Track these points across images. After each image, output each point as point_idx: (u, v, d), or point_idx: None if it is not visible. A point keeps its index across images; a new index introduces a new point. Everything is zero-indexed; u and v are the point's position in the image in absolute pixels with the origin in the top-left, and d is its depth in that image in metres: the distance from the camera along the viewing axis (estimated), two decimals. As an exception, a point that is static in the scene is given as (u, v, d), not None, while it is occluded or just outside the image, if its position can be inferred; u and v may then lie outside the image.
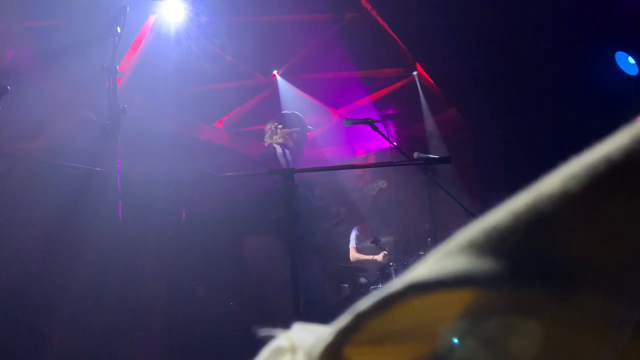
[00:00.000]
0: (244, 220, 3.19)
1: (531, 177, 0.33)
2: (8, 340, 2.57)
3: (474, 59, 4.25)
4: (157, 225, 3.74)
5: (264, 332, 0.39)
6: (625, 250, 0.30)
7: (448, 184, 3.09)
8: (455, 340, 0.33)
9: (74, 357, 2.80)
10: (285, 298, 2.52)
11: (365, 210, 4.85)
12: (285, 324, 0.41)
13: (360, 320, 0.32)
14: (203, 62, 4.47)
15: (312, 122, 4.12)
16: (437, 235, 3.29)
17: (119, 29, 2.41)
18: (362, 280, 4.12)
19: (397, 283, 0.31)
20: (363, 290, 3.80)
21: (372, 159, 6.33)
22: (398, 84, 5.46)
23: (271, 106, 5.04)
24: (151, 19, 4.18)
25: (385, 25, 4.50)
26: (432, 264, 0.32)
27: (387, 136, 2.59)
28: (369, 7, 4.39)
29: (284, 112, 3.66)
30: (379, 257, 4.17)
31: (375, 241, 3.91)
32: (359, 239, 4.62)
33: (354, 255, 4.53)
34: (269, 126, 3.51)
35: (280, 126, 3.43)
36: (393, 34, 4.59)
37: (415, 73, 5.25)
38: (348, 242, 4.65)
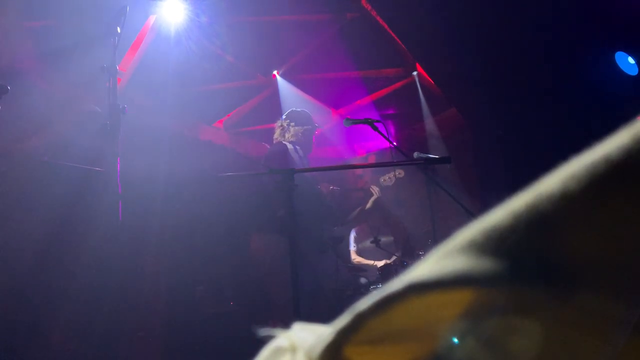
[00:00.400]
0: (247, 219, 3.19)
1: (531, 177, 0.33)
2: (8, 340, 2.57)
3: (474, 59, 4.25)
4: (157, 225, 3.74)
5: (264, 332, 0.39)
6: (625, 250, 0.30)
7: (448, 184, 3.09)
8: (455, 340, 0.33)
9: (74, 357, 2.80)
10: (285, 298, 2.52)
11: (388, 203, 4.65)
12: (285, 324, 0.41)
13: (360, 320, 0.32)
14: (203, 62, 4.47)
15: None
16: (437, 235, 3.28)
17: (119, 29, 2.41)
18: (362, 280, 4.11)
19: (397, 283, 0.31)
20: (363, 290, 3.79)
21: (372, 159, 6.33)
22: (398, 84, 5.45)
23: (271, 106, 5.04)
24: (151, 19, 4.17)
25: (385, 25, 4.50)
26: (432, 264, 0.32)
27: (387, 136, 2.59)
28: (369, 7, 4.39)
29: (294, 109, 3.57)
30: (380, 264, 4.13)
31: (375, 241, 3.87)
32: (357, 241, 4.53)
33: (355, 258, 4.46)
34: (279, 123, 3.46)
35: (293, 124, 3.40)
36: (393, 34, 4.59)
37: (415, 73, 5.24)
38: (348, 243, 4.61)
